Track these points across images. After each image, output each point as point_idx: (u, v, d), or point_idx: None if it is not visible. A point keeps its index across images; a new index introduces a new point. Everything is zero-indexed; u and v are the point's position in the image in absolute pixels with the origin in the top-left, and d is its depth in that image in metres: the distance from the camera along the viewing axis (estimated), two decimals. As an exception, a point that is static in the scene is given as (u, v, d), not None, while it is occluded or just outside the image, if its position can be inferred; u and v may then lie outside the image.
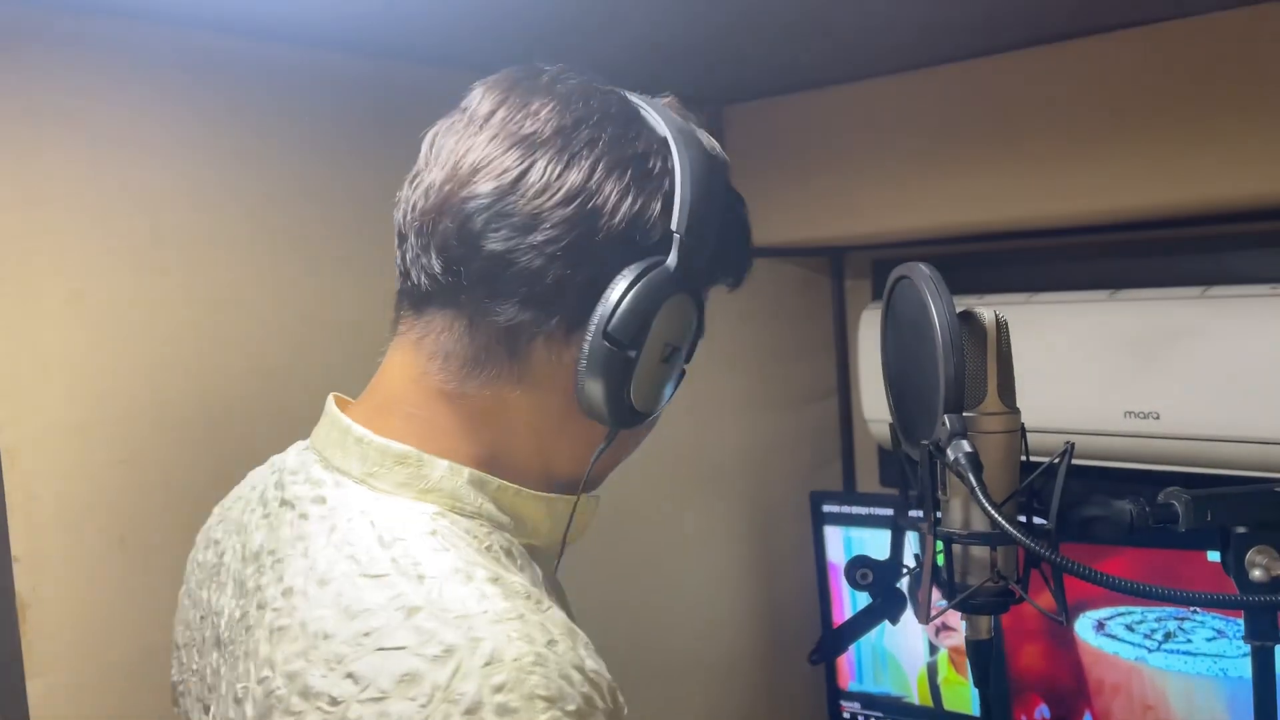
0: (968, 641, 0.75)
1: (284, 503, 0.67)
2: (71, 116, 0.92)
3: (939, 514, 0.72)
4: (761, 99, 1.43)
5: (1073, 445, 0.71)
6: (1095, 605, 1.26)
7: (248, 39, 1.01)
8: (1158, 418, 1.17)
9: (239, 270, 1.02)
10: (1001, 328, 0.70)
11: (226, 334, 1.01)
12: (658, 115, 0.66)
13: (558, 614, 0.59)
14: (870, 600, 0.88)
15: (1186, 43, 1.08)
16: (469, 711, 0.52)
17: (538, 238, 0.61)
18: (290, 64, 1.04)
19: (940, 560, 0.73)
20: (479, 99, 0.65)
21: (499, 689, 0.52)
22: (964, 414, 0.67)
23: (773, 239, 1.49)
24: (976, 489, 0.64)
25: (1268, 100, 1.05)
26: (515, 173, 0.61)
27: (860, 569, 0.85)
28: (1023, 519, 0.73)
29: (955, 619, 1.27)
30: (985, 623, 0.74)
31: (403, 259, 0.66)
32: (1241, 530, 0.76)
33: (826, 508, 1.48)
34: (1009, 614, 0.74)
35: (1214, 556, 0.80)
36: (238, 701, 0.60)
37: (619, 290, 0.61)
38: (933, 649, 1.43)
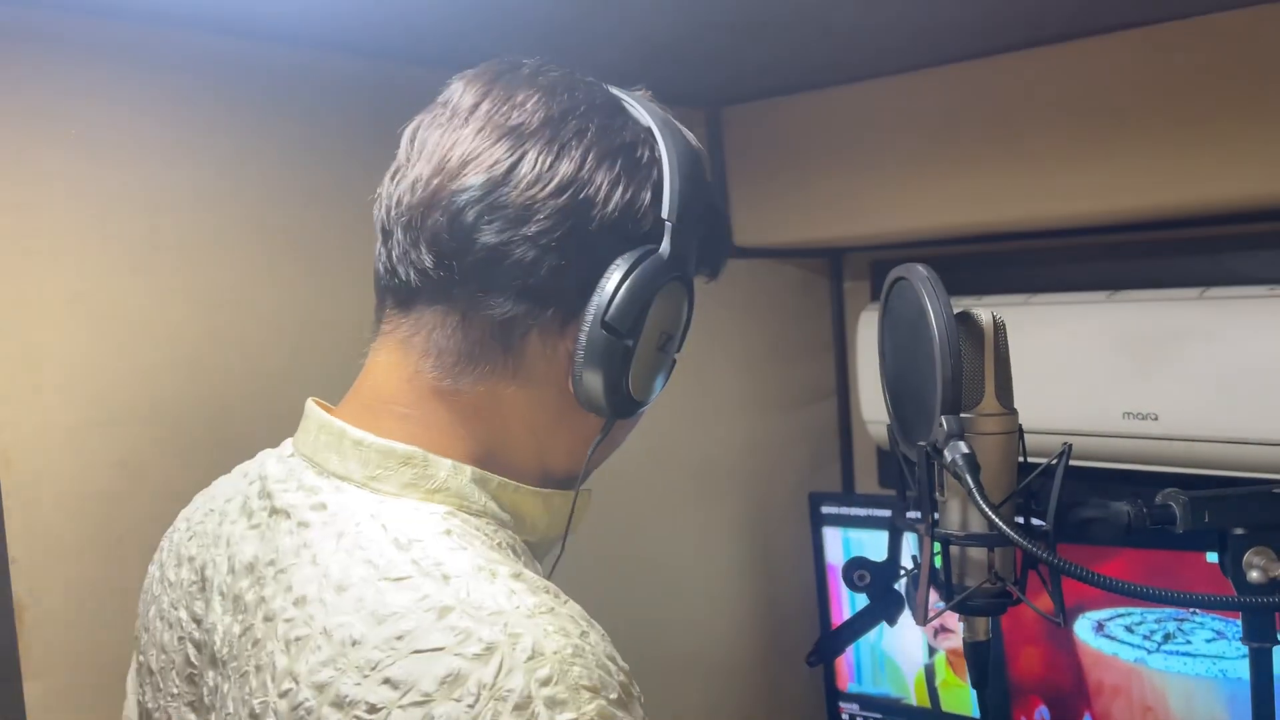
0: (965, 643, 0.75)
1: (275, 511, 0.65)
2: (70, 118, 0.91)
3: (936, 515, 0.72)
4: (760, 100, 1.43)
5: (1070, 447, 0.71)
6: (1095, 606, 1.26)
7: (247, 40, 1.01)
8: (1156, 419, 1.17)
9: (238, 271, 1.02)
10: (999, 329, 0.70)
11: (225, 335, 1.01)
12: (640, 106, 0.67)
13: (577, 607, 0.59)
14: (868, 601, 0.88)
15: (1185, 44, 1.08)
16: (519, 708, 0.51)
17: (532, 229, 0.60)
18: (290, 65, 1.04)
19: (938, 562, 0.73)
20: (461, 92, 0.65)
21: (545, 682, 0.52)
22: (961, 415, 0.68)
23: (772, 240, 1.49)
24: (974, 490, 0.64)
25: (1266, 101, 1.05)
26: (506, 164, 0.61)
27: (858, 570, 0.86)
28: (1020, 520, 0.73)
29: (953, 621, 1.28)
30: (983, 624, 0.74)
31: (387, 256, 0.65)
32: (1239, 531, 0.76)
33: (825, 509, 1.48)
34: (1008, 615, 0.74)
35: (1213, 558, 0.80)
36: (255, 717, 0.59)
37: (615, 279, 0.62)
38: (931, 651, 1.43)
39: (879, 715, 1.47)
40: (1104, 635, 1.26)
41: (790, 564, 1.57)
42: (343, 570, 0.58)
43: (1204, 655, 1.19)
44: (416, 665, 0.53)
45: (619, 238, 0.62)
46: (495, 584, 0.56)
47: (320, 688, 0.55)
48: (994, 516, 0.62)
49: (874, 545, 1.44)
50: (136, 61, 0.95)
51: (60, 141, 0.91)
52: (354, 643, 0.55)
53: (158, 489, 0.96)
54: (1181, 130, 1.10)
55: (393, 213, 0.64)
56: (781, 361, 1.61)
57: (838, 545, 1.48)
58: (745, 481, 1.57)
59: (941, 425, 0.66)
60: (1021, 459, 0.72)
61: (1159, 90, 1.11)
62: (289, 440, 0.71)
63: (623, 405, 0.64)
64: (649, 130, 0.65)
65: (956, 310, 0.69)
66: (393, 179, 0.65)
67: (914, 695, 1.44)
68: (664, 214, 0.63)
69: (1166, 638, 1.21)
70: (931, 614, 0.73)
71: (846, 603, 1.46)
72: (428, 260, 0.62)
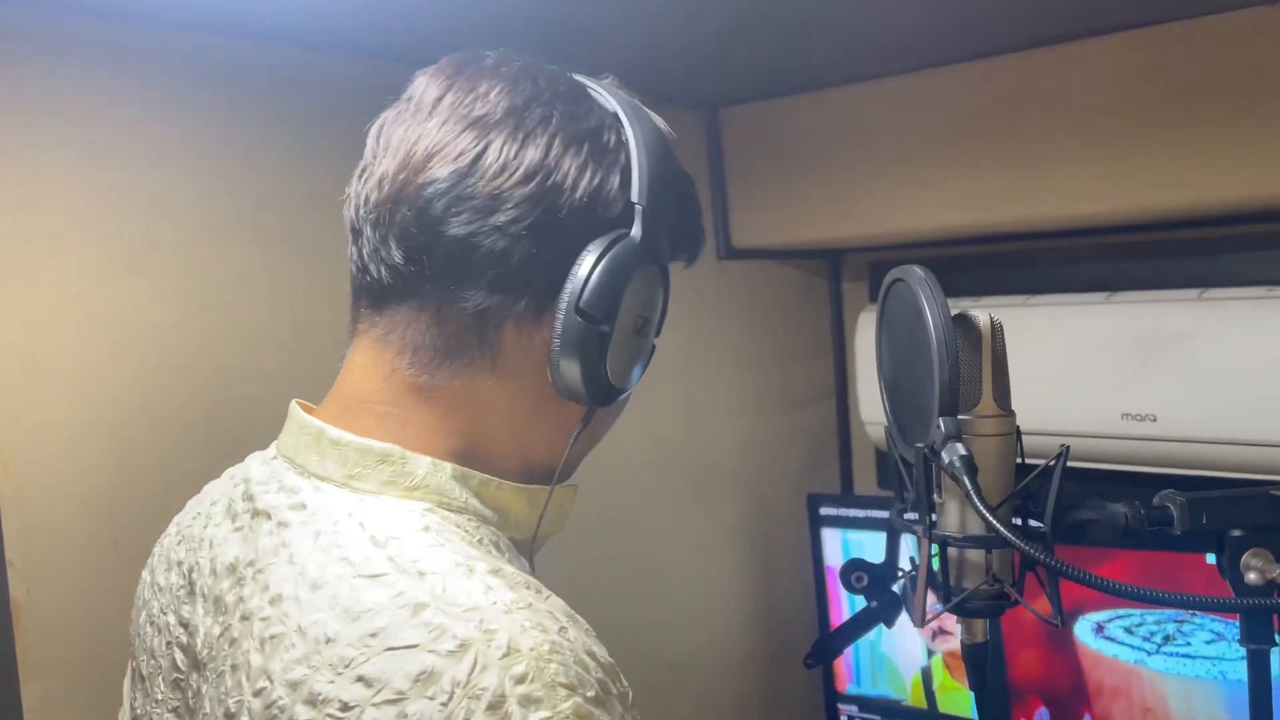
0: (963, 645, 0.75)
1: (257, 513, 0.65)
2: (68, 119, 0.91)
3: (934, 517, 0.71)
4: (759, 101, 1.43)
5: (1068, 448, 0.71)
6: (1094, 608, 1.26)
7: (245, 41, 1.01)
8: (1154, 420, 1.17)
9: (236, 272, 1.02)
10: (996, 330, 0.70)
11: (222, 336, 1.01)
12: (605, 91, 0.66)
13: (558, 601, 0.59)
14: (866, 603, 0.88)
15: (1183, 46, 1.08)
16: (493, 706, 0.50)
17: (500, 218, 0.60)
18: (288, 66, 1.04)
19: (936, 563, 0.73)
20: (424, 87, 0.64)
21: (520, 680, 0.51)
22: (959, 417, 0.67)
23: (770, 241, 1.49)
24: (971, 492, 0.63)
25: (1264, 103, 1.05)
26: (472, 155, 0.60)
27: (855, 572, 0.85)
28: (1018, 522, 0.73)
29: (952, 623, 1.27)
30: (981, 626, 0.74)
31: (359, 254, 0.64)
32: (1237, 533, 0.76)
33: (824, 510, 1.48)
34: (1007, 617, 0.74)
35: (1213, 559, 0.80)
36: (230, 716, 0.59)
37: (587, 265, 0.61)
38: (928, 653, 1.43)
39: (878, 717, 1.47)
40: (1104, 637, 1.26)
41: (789, 565, 1.57)
42: (319, 568, 0.58)
43: (1204, 657, 1.19)
44: (390, 663, 0.52)
45: (589, 223, 0.62)
46: (472, 580, 0.56)
47: (293, 686, 0.54)
48: (991, 518, 0.62)
49: (873, 546, 1.44)
50: (134, 63, 0.95)
51: (59, 142, 0.91)
52: (328, 640, 0.54)
53: (156, 490, 0.96)
54: (1179, 132, 1.10)
55: (361, 211, 0.64)
56: (780, 362, 1.61)
57: (836, 546, 1.48)
58: (744, 483, 1.57)
59: (939, 427, 0.66)
60: (1019, 460, 0.71)
61: (1157, 92, 1.11)
62: (275, 442, 0.71)
63: (602, 393, 0.64)
64: (614, 115, 0.65)
65: (954, 312, 0.68)
66: (360, 178, 0.65)
67: (912, 697, 1.44)
68: (634, 197, 0.63)
69: (1166, 639, 1.21)
70: (929, 616, 0.73)
71: (845, 604, 1.46)
72: (398, 256, 0.62)
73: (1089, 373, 1.22)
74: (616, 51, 1.08)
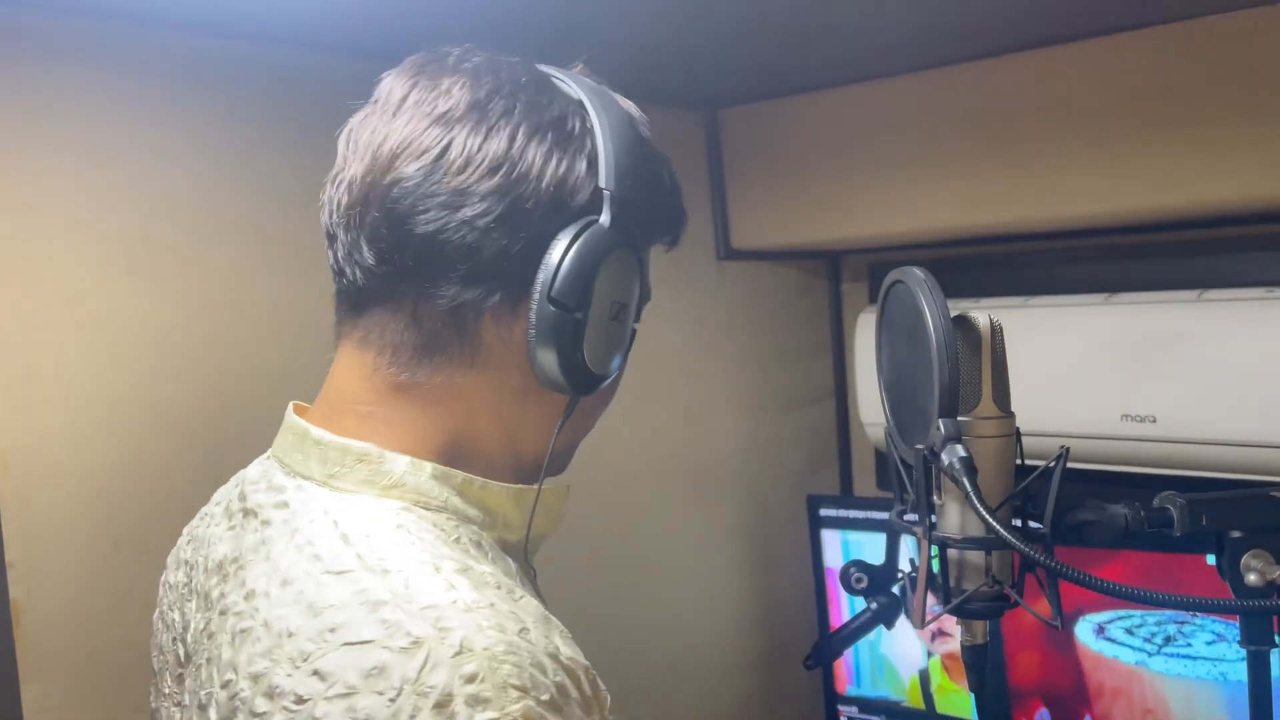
0: (963, 647, 0.75)
1: (246, 512, 0.66)
2: (68, 120, 0.92)
3: (934, 518, 0.71)
4: (758, 102, 1.43)
5: (1067, 450, 0.71)
6: (1095, 609, 1.26)
7: (244, 42, 1.01)
8: (1154, 421, 1.17)
9: (236, 273, 1.02)
10: (996, 332, 0.70)
11: (223, 337, 1.01)
12: (570, 80, 0.66)
13: (531, 603, 0.59)
14: (866, 604, 0.88)
15: (1182, 46, 1.08)
16: (439, 705, 0.50)
17: (468, 212, 0.60)
18: (286, 67, 1.04)
19: (936, 565, 0.73)
20: (389, 88, 0.65)
21: (470, 679, 0.51)
22: (959, 418, 0.67)
23: (769, 242, 1.49)
24: (971, 494, 0.63)
25: (1263, 103, 1.05)
26: (436, 151, 0.61)
27: (855, 573, 0.85)
28: (1018, 523, 0.73)
29: (951, 624, 1.27)
30: (981, 628, 0.74)
31: (335, 259, 0.65)
32: (1237, 534, 0.76)
33: (823, 511, 1.48)
34: (1007, 618, 0.74)
35: (1214, 560, 0.80)
36: (201, 708, 0.59)
37: (557, 253, 0.61)
38: (927, 655, 1.43)
39: (878, 718, 1.47)
40: (1104, 638, 1.26)
41: (788, 566, 1.57)
42: (290, 564, 0.59)
43: (1204, 658, 1.19)
44: (345, 657, 0.53)
45: (558, 212, 0.62)
46: (436, 578, 0.56)
47: (255, 678, 0.55)
48: (991, 520, 0.62)
49: (872, 548, 1.44)
50: (134, 63, 0.95)
51: (59, 143, 0.91)
52: (289, 634, 0.55)
53: (156, 491, 0.96)
54: (1179, 132, 1.10)
55: (334, 216, 0.64)
56: (779, 363, 1.61)
57: (836, 548, 1.48)
58: (744, 484, 1.57)
59: (939, 428, 0.66)
60: (1019, 462, 0.71)
61: (1156, 93, 1.11)
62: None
63: (583, 380, 0.64)
64: (579, 102, 0.64)
65: (954, 313, 0.68)
66: (333, 183, 0.65)
67: (911, 698, 1.44)
68: (601, 183, 0.63)
69: (1167, 640, 1.21)
70: (929, 617, 0.73)
71: (845, 605, 1.46)
72: (370, 257, 0.62)
73: (1088, 374, 1.22)
74: (616, 53, 1.08)
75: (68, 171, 0.92)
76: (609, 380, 0.67)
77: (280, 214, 1.05)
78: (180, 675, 0.69)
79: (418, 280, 0.62)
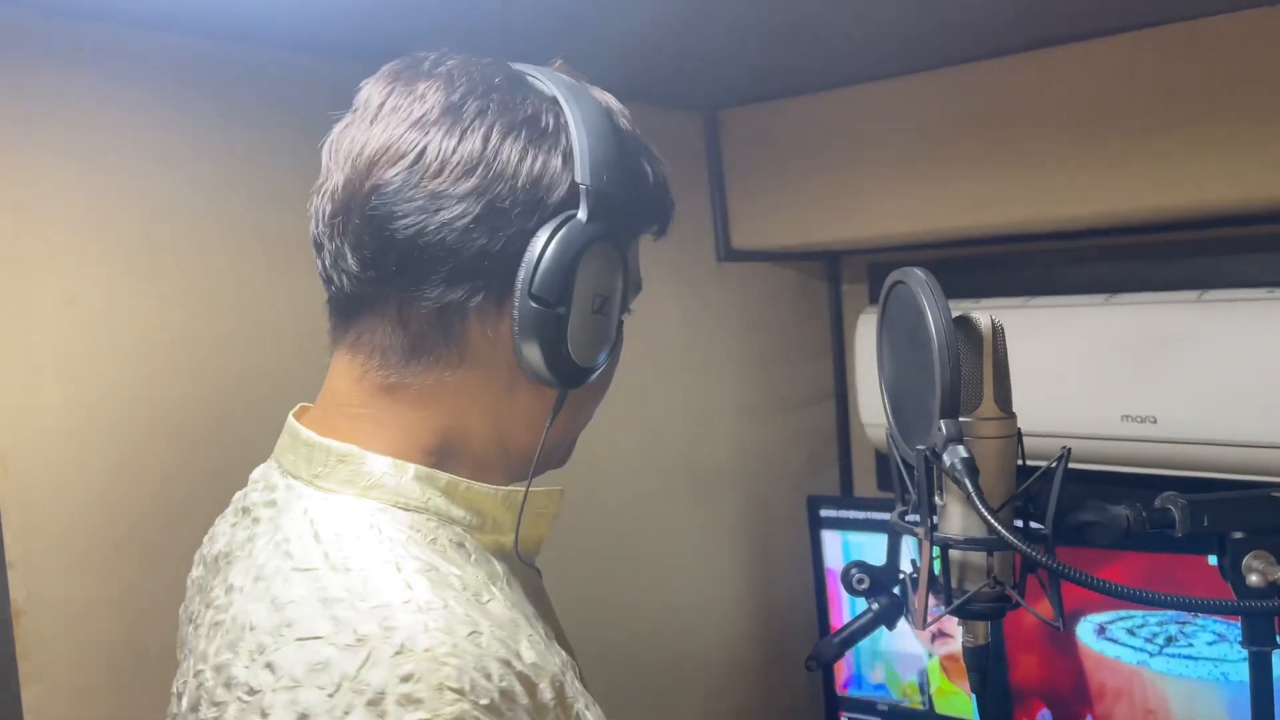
0: (965, 648, 0.75)
1: (245, 510, 0.69)
2: (68, 122, 0.91)
3: (935, 519, 0.71)
4: (757, 103, 1.43)
5: (1069, 450, 0.70)
6: (1096, 609, 1.26)
7: (242, 44, 1.01)
8: (1154, 422, 1.17)
9: (235, 274, 1.02)
10: (997, 332, 0.70)
11: (223, 338, 1.01)
12: (544, 77, 0.67)
13: (497, 607, 0.59)
14: (867, 605, 0.88)
15: (1182, 47, 1.08)
16: (372, 702, 0.52)
17: (446, 215, 0.61)
18: (284, 68, 1.04)
19: (937, 566, 0.73)
20: (367, 96, 0.66)
21: (406, 679, 0.52)
22: (960, 419, 0.67)
23: (769, 243, 1.49)
24: (973, 494, 0.63)
25: (1263, 104, 1.05)
26: (412, 155, 0.62)
27: (857, 574, 0.85)
28: (1019, 524, 0.73)
29: (951, 625, 1.27)
30: (982, 628, 0.74)
31: (323, 267, 0.66)
32: (1238, 535, 0.76)
33: (824, 512, 1.48)
34: (1008, 619, 0.74)
35: (1215, 561, 0.80)
36: (178, 696, 0.62)
37: (536, 250, 0.62)
38: (928, 656, 1.43)
39: (877, 719, 1.47)
40: (1106, 638, 1.26)
41: (789, 567, 1.57)
42: (265, 561, 0.61)
43: (1206, 658, 1.19)
44: (295, 652, 0.54)
45: (536, 209, 0.62)
46: (395, 578, 0.57)
47: (219, 669, 0.57)
48: (993, 521, 0.62)
49: (873, 549, 1.44)
50: (135, 66, 0.95)
51: (59, 145, 0.91)
52: (251, 628, 0.57)
53: (156, 492, 0.96)
54: (1179, 133, 1.10)
55: (320, 225, 0.65)
56: (779, 364, 1.61)
57: (837, 549, 1.48)
58: (744, 485, 1.56)
59: (940, 429, 0.66)
60: (1020, 462, 0.71)
61: (1156, 93, 1.11)
62: None
63: (569, 374, 0.65)
64: (552, 99, 0.65)
65: (955, 314, 0.68)
66: (318, 193, 0.66)
67: (912, 699, 1.44)
68: (578, 177, 0.63)
69: (1168, 641, 1.21)
70: (930, 618, 0.73)
71: (845, 606, 1.46)
72: (354, 264, 0.63)
73: (1089, 374, 1.22)
74: (617, 54, 1.08)
75: (68, 173, 0.92)
76: (597, 372, 0.68)
77: (280, 215, 1.05)
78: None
79: (402, 284, 0.63)
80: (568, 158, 0.63)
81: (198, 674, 0.59)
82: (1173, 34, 1.08)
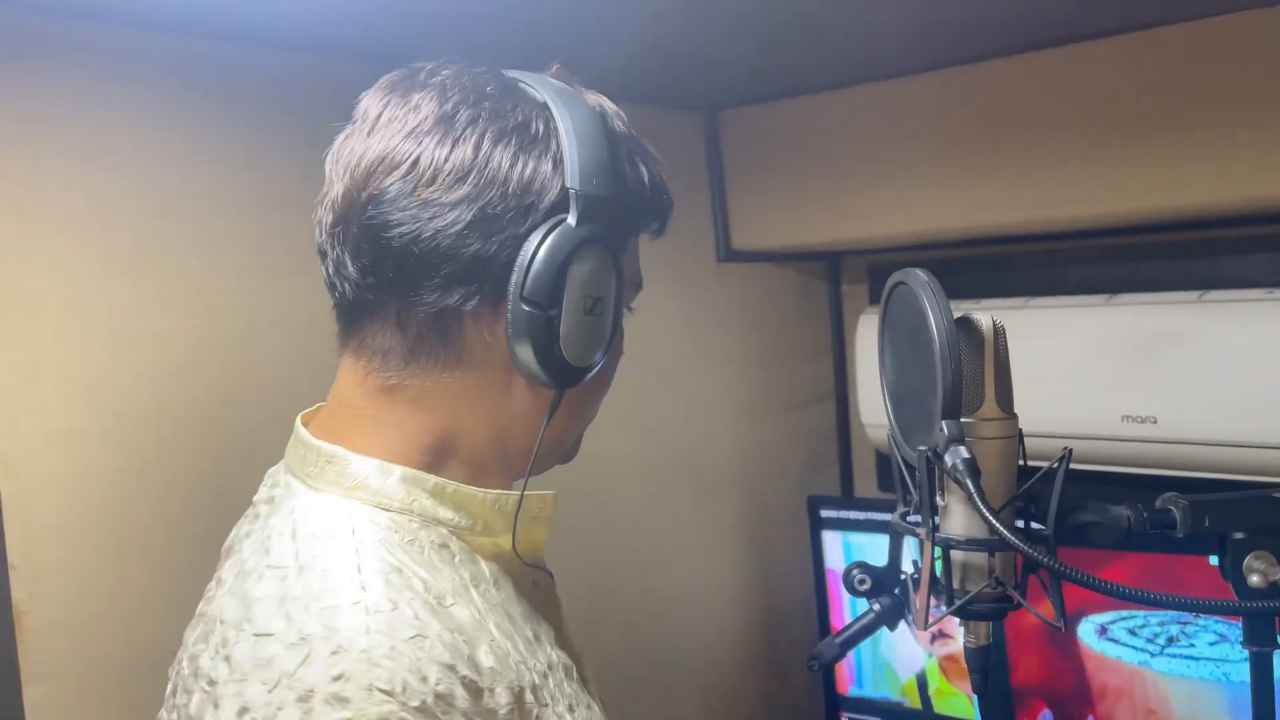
0: (966, 648, 0.75)
1: (253, 504, 0.72)
2: (69, 123, 0.92)
3: (937, 520, 0.71)
4: (757, 104, 1.43)
5: (1070, 451, 0.70)
6: (1098, 610, 1.26)
7: (244, 45, 1.01)
8: (1155, 422, 1.17)
9: (236, 276, 1.02)
10: (999, 333, 0.70)
11: (224, 340, 1.01)
12: (536, 84, 0.68)
13: (462, 612, 0.61)
14: (869, 606, 0.88)
15: (1182, 48, 1.08)
16: (302, 699, 0.54)
17: (440, 221, 0.63)
18: (286, 69, 1.04)
19: (938, 567, 0.73)
20: (365, 107, 0.67)
21: (337, 678, 0.54)
22: (961, 420, 0.67)
23: (770, 244, 1.49)
24: (975, 495, 0.63)
25: (1263, 104, 1.05)
26: (406, 164, 0.63)
27: (858, 575, 0.85)
28: (1020, 524, 0.73)
29: (952, 626, 1.27)
30: (984, 629, 0.74)
31: (326, 276, 0.68)
32: (1239, 536, 0.76)
33: (825, 513, 1.48)
34: (1010, 619, 0.74)
35: (1216, 561, 0.80)
36: (173, 688, 0.64)
37: (527, 254, 0.64)
38: (927, 657, 1.43)
39: (879, 719, 1.47)
40: (1107, 639, 1.26)
41: (789, 568, 1.57)
42: (249, 557, 0.64)
43: (1207, 658, 1.19)
44: (250, 648, 0.57)
45: (528, 213, 0.64)
46: (353, 578, 0.59)
47: (193, 658, 0.61)
48: (995, 521, 0.62)
49: (874, 549, 1.44)
50: (136, 67, 0.95)
51: (60, 146, 0.91)
52: (221, 621, 0.61)
53: (157, 494, 0.96)
54: (1179, 134, 1.10)
55: (323, 235, 0.67)
56: (780, 365, 1.61)
57: (838, 549, 1.48)
58: (744, 485, 1.56)
59: (942, 430, 0.66)
60: (1021, 463, 0.71)
61: (1156, 94, 1.11)
62: None
63: (564, 374, 0.66)
64: (543, 105, 0.66)
65: (956, 315, 0.68)
66: (321, 204, 0.68)
67: (913, 700, 1.44)
68: (568, 181, 0.64)
69: (1170, 641, 1.21)
70: (932, 619, 0.73)
71: (846, 607, 1.46)
72: (355, 272, 0.65)
73: (1089, 375, 1.22)
74: (615, 54, 1.08)
75: (69, 174, 0.92)
76: (593, 372, 0.69)
77: (281, 216, 1.05)
78: None
79: (400, 289, 0.64)
80: (558, 162, 0.65)
81: (179, 662, 0.63)
82: (1173, 34, 1.08)
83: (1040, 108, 1.19)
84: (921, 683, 1.43)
